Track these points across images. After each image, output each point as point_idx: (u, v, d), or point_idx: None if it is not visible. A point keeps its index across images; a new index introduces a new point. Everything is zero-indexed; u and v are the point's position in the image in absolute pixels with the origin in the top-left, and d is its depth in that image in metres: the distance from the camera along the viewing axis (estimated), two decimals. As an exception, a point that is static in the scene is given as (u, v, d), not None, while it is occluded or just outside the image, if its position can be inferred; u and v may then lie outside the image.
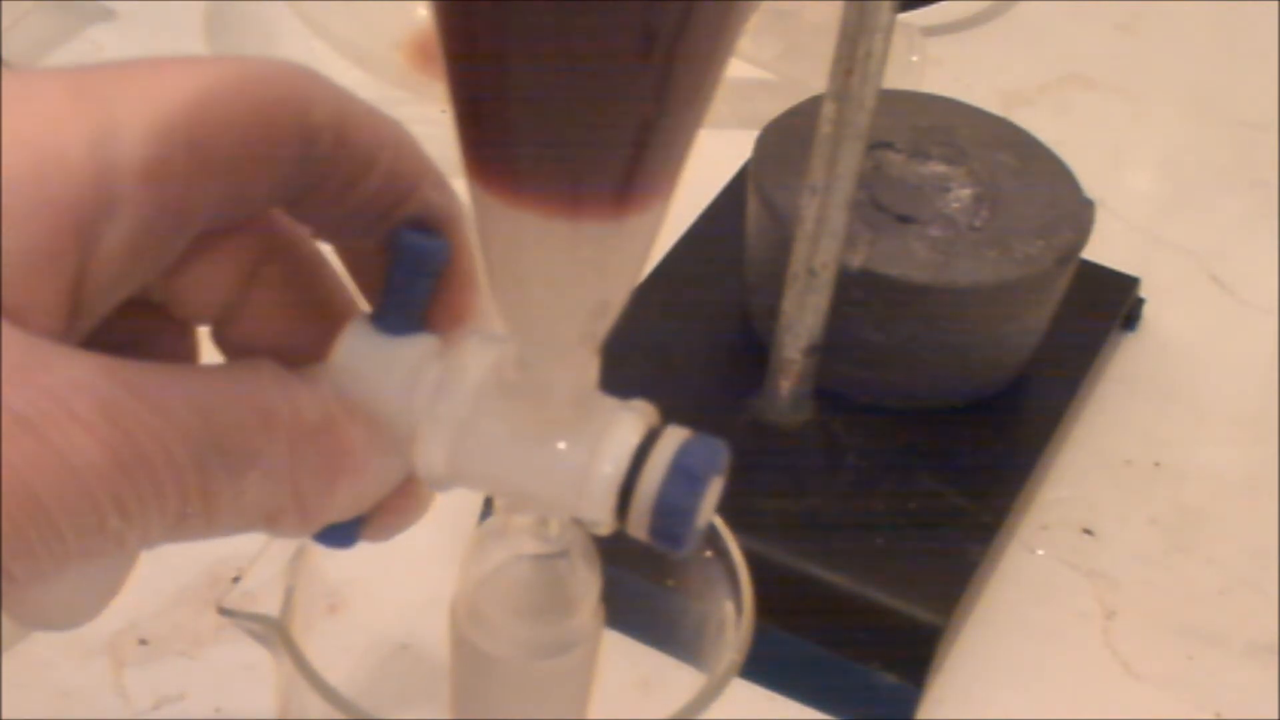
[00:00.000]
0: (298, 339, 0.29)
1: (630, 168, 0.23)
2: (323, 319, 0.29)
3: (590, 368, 0.27)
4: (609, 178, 0.24)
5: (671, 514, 0.27)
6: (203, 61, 0.25)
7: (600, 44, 0.22)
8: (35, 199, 0.23)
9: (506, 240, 0.25)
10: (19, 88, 0.24)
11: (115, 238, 0.24)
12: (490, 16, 0.22)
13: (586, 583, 0.33)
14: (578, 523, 0.29)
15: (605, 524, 0.28)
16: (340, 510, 0.27)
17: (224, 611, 0.39)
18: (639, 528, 0.27)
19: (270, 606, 0.38)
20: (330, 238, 0.29)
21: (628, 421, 0.27)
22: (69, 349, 0.23)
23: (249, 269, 0.28)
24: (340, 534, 0.29)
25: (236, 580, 0.39)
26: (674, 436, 0.27)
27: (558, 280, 0.25)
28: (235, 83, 0.25)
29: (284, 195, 0.26)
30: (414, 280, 0.28)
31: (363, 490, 0.27)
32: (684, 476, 0.27)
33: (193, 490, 0.24)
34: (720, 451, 0.27)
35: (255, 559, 0.39)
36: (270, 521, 0.26)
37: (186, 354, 0.29)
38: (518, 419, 0.27)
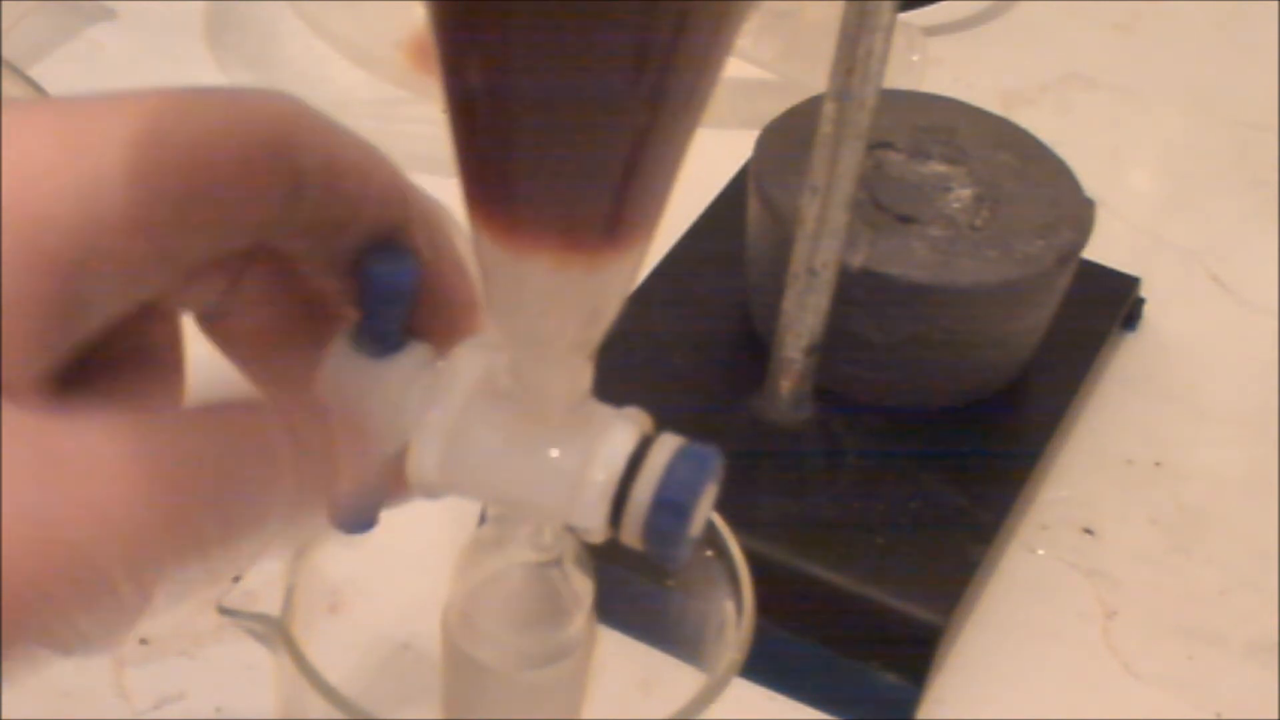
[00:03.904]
0: (287, 333, 0.29)
1: (617, 208, 0.24)
2: (313, 314, 0.29)
3: (583, 374, 0.27)
4: (598, 211, 0.24)
5: (665, 523, 0.27)
6: (193, 98, 0.25)
7: (588, 80, 0.22)
8: (27, 253, 0.23)
9: (498, 261, 0.25)
10: (7, 130, 0.23)
11: (101, 287, 0.24)
12: (483, 61, 0.22)
13: (579, 591, 0.33)
14: (571, 531, 0.29)
15: (598, 532, 0.27)
16: (347, 500, 0.27)
17: (224, 611, 0.39)
18: (632, 536, 0.27)
19: (271, 606, 0.37)
20: (316, 272, 0.28)
21: (621, 429, 0.27)
22: (62, 413, 0.23)
23: (238, 266, 0.28)
24: (360, 520, 0.28)
25: (237, 580, 0.39)
26: (668, 444, 0.27)
27: (550, 295, 0.25)
28: (225, 124, 0.25)
29: (269, 233, 0.26)
30: (384, 307, 0.27)
31: (366, 470, 0.27)
32: (677, 485, 0.27)
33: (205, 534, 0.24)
34: (714, 459, 0.27)
35: (256, 558, 0.39)
36: (286, 532, 0.26)
37: (169, 341, 0.28)
38: (510, 426, 0.27)
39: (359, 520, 0.28)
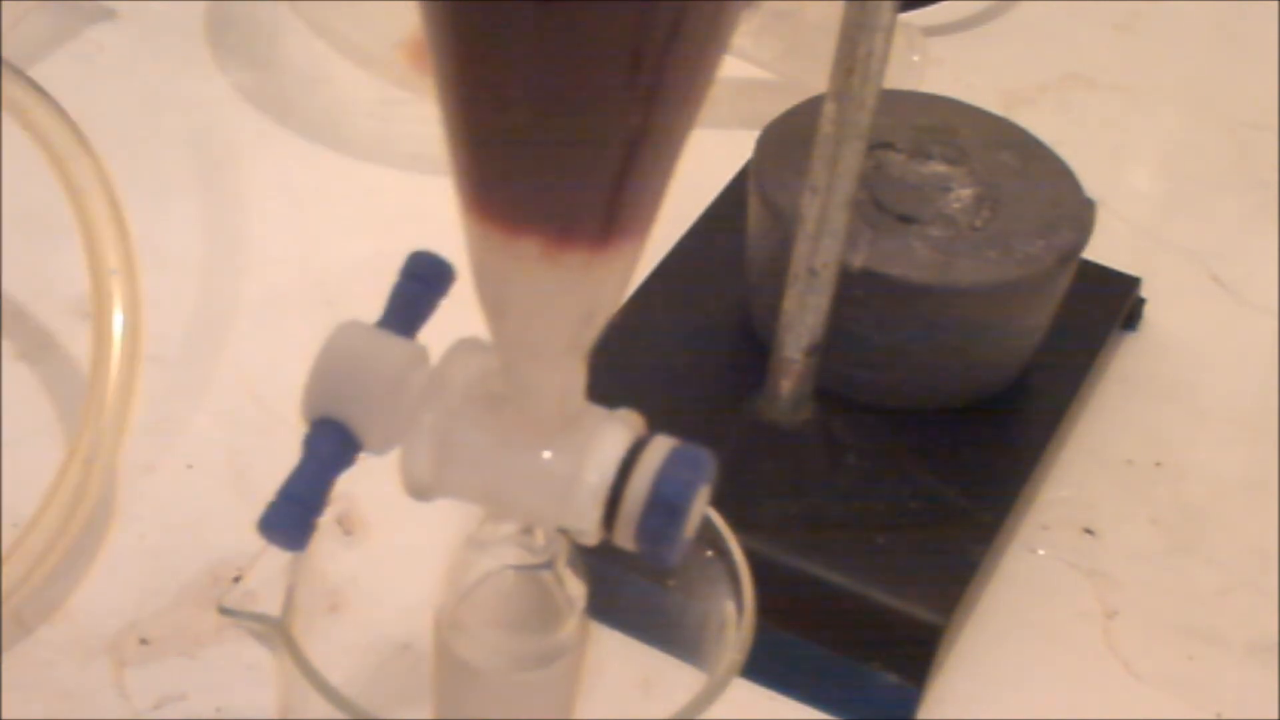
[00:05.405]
0: None
1: (611, 207, 0.24)
2: None
3: (577, 376, 0.27)
4: (592, 212, 0.24)
5: (658, 524, 0.27)
6: None
7: (584, 79, 0.22)
8: None
9: (492, 261, 0.25)
10: None
11: None
12: (476, 60, 0.22)
13: (572, 594, 0.33)
14: (563, 533, 0.29)
15: (591, 534, 0.27)
16: None
17: (225, 611, 0.39)
18: (625, 538, 0.27)
19: (271, 606, 0.37)
20: None
21: (614, 431, 0.27)
22: None
23: None
24: (292, 526, 0.27)
25: (237, 580, 0.39)
26: (660, 446, 0.27)
27: (544, 296, 0.25)
28: None
29: None
30: (418, 293, 0.28)
31: None
32: (670, 486, 0.27)
33: None
34: (706, 461, 0.27)
35: (256, 558, 0.39)
36: None
37: None
38: (504, 428, 0.27)
39: (292, 526, 0.27)
